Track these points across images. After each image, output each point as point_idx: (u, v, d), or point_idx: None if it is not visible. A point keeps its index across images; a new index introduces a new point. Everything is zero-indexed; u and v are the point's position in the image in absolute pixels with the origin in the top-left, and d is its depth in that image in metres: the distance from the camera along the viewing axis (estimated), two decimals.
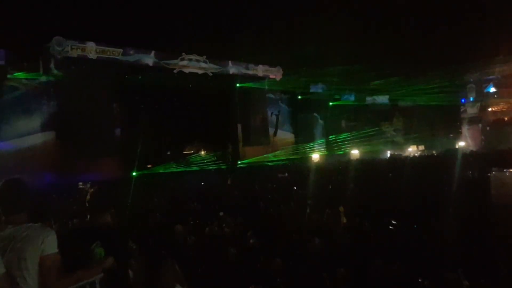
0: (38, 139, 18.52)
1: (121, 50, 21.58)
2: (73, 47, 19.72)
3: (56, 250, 2.79)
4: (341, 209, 9.77)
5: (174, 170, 22.21)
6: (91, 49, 20.44)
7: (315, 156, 28.18)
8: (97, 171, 17.63)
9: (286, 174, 20.08)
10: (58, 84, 19.17)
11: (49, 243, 2.74)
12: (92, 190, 14.80)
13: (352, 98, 34.95)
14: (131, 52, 22.13)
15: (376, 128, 34.88)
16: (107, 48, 21.05)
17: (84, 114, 18.53)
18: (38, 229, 2.74)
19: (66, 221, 8.65)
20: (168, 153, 24.89)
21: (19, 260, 2.63)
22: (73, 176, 16.90)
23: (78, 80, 19.12)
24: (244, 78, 28.24)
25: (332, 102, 33.17)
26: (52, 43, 18.91)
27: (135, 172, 20.95)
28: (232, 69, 27.28)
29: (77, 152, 18.02)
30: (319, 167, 21.62)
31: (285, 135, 31.52)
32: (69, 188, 15.47)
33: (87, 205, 11.60)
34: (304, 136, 31.90)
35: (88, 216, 9.04)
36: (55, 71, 19.14)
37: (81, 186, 16.76)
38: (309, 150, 29.91)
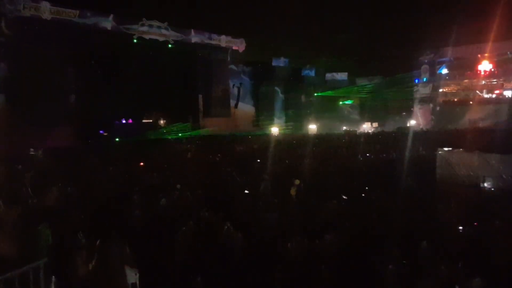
0: None
1: (78, 11, 20.67)
2: (25, 6, 18.72)
3: None
4: (297, 181, 10.02)
5: (131, 139, 21.76)
6: (45, 9, 19.46)
7: (274, 130, 28.52)
8: (49, 138, 17.02)
9: (245, 147, 20.24)
10: (9, 45, 18.21)
11: None
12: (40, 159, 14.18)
13: (313, 73, 35.39)
14: (88, 14, 21.21)
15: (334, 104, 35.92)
16: (62, 9, 20.09)
17: (36, 78, 17.73)
18: None
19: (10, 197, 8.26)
20: (124, 121, 24.36)
21: None
22: (23, 143, 16.14)
23: (30, 42, 18.21)
24: (207, 48, 27.92)
25: (292, 77, 33.41)
26: (3, 1, 17.87)
27: (90, 140, 20.42)
28: (194, 38, 26.77)
29: (29, 117, 17.35)
30: (277, 140, 21.92)
31: (246, 108, 31.65)
32: (18, 156, 14.49)
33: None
34: (264, 109, 32.15)
35: (32, 193, 8.62)
36: (6, 31, 18.17)
37: (32, 153, 16.07)
38: (269, 124, 30.18)
